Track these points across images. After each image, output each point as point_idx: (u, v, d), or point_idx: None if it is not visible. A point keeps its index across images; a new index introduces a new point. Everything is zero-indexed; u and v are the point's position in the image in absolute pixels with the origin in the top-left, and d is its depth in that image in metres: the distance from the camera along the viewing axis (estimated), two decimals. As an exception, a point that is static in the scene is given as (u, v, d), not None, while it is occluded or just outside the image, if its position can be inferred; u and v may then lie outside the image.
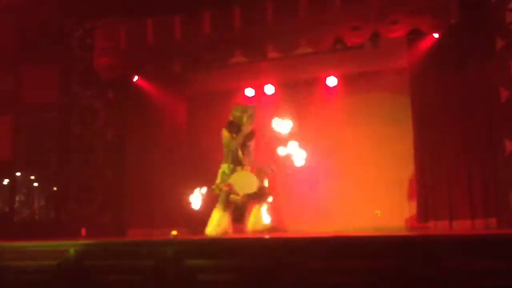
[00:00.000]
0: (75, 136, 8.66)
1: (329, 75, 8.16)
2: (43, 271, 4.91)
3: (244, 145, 6.11)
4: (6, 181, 9.14)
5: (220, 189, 5.99)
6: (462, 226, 6.59)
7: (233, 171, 5.99)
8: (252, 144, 6.19)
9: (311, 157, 8.20)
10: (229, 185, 5.92)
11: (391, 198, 7.43)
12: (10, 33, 9.03)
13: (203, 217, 8.43)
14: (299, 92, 8.30)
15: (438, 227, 6.78)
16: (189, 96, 8.93)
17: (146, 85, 8.50)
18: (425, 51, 7.02)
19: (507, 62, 6.49)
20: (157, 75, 8.23)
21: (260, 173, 6.03)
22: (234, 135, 6.06)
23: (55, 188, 8.94)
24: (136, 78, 8.39)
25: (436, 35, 6.87)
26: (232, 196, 5.91)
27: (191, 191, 8.47)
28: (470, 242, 3.91)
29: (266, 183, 6.12)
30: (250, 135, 6.16)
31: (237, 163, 6.05)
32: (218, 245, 4.66)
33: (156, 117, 8.64)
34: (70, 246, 4.91)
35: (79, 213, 8.37)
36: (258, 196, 5.98)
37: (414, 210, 7.17)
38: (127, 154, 8.65)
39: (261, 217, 5.99)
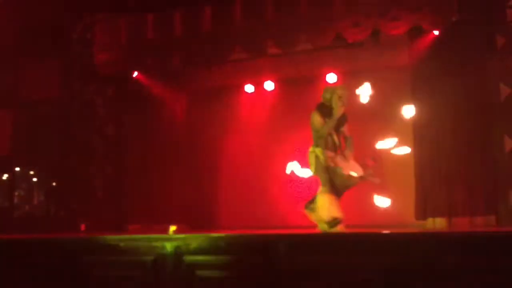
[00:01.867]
0: (74, 132, 8.65)
1: (329, 72, 8.15)
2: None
3: (337, 130, 5.63)
4: (5, 176, 9.14)
5: (326, 163, 5.42)
6: (461, 224, 6.59)
7: (329, 158, 5.45)
8: (346, 129, 5.70)
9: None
10: (335, 163, 5.41)
11: (390, 194, 7.42)
12: (10, 27, 9.00)
13: (202, 212, 8.52)
14: (299, 89, 8.30)
15: (436, 224, 6.79)
16: (189, 91, 8.94)
17: (146, 81, 8.50)
18: (425, 48, 7.01)
19: (508, 59, 6.48)
20: (157, 70, 8.22)
21: (362, 162, 5.53)
22: (326, 119, 5.55)
23: (54, 183, 8.95)
24: (136, 73, 8.38)
25: (436, 32, 6.85)
26: (338, 169, 5.35)
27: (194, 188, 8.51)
28: (470, 239, 3.92)
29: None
30: (343, 119, 5.65)
31: (333, 149, 5.57)
32: (217, 241, 4.66)
33: (156, 112, 8.64)
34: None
35: (79, 208, 8.37)
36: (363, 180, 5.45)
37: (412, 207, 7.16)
38: (127, 150, 8.65)
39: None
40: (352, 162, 5.51)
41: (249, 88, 8.71)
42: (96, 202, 8.39)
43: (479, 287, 3.57)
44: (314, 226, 5.92)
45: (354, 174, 5.41)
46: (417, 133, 7.16)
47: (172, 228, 6.11)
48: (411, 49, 7.20)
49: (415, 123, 7.15)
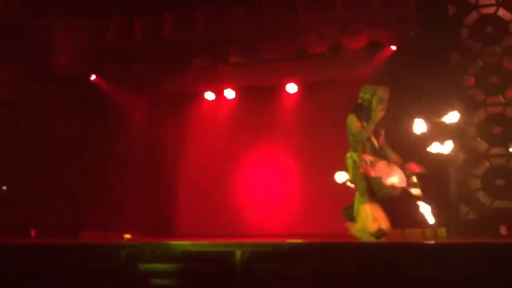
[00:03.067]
0: (30, 135, 8.41)
1: (289, 82, 8.24)
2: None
3: (376, 133, 5.15)
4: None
5: (364, 170, 4.92)
6: (413, 235, 6.74)
7: (369, 164, 4.95)
8: (383, 132, 5.20)
9: (268, 162, 8.35)
10: (377, 172, 4.92)
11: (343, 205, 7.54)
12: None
13: (160, 220, 8.42)
14: (259, 98, 8.35)
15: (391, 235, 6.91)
16: (150, 97, 8.86)
17: (106, 85, 8.37)
18: (382, 62, 7.19)
19: (461, 76, 6.71)
20: (118, 75, 8.12)
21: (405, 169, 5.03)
22: (365, 123, 5.10)
23: (4, 188, 8.66)
24: (93, 77, 8.24)
25: (394, 47, 7.04)
26: (377, 179, 4.87)
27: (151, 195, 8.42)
28: (424, 250, 4.03)
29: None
30: (382, 121, 5.14)
31: (372, 154, 5.08)
32: (171, 249, 4.61)
33: (115, 117, 8.52)
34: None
35: (29, 214, 8.13)
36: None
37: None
38: (83, 155, 8.48)
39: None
40: (396, 169, 5.02)
41: (209, 95, 8.70)
42: (49, 207, 8.17)
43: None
44: (274, 234, 5.94)
45: (396, 183, 4.95)
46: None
47: (127, 236, 6.00)
48: (368, 63, 7.36)
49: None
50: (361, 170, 4.98)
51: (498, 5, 6.52)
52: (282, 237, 5.52)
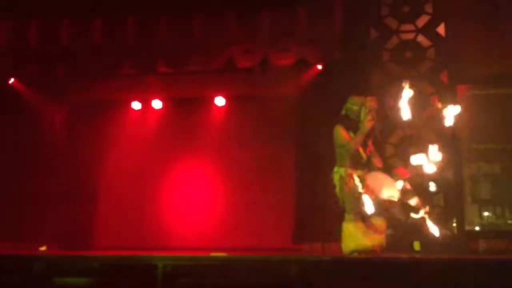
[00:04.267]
0: None
1: (218, 95, 8.27)
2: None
3: (364, 145, 5.07)
4: None
5: (354, 193, 4.78)
6: (333, 248, 6.92)
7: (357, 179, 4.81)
8: (370, 143, 5.10)
9: (194, 175, 8.30)
10: (367, 188, 4.77)
11: (271, 219, 7.64)
12: None
13: (77, 232, 8.09)
14: (187, 109, 8.31)
15: (312, 249, 7.06)
16: (72, 104, 8.53)
17: (25, 89, 7.98)
18: (309, 81, 7.40)
19: (382, 97, 7.01)
20: (39, 79, 7.77)
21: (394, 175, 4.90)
22: (352, 134, 5.02)
23: None
24: (12, 80, 7.84)
25: (320, 67, 7.27)
26: (381, 200, 4.72)
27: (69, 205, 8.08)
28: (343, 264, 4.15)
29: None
30: (370, 133, 5.07)
31: (361, 166, 5.00)
32: (90, 262, 4.45)
33: (33, 123, 8.13)
34: None
35: None
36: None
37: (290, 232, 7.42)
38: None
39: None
40: (387, 179, 4.89)
41: (136, 105, 8.54)
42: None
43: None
44: (198, 248, 5.88)
45: (392, 196, 4.81)
46: (299, 158, 7.49)
47: (42, 248, 5.72)
48: (296, 81, 7.55)
49: (298, 148, 7.47)
50: (348, 186, 4.88)
51: (417, 31, 6.90)
52: (206, 251, 5.48)
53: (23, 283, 4.26)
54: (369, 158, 5.09)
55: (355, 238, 4.90)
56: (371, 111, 5.02)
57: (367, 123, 4.97)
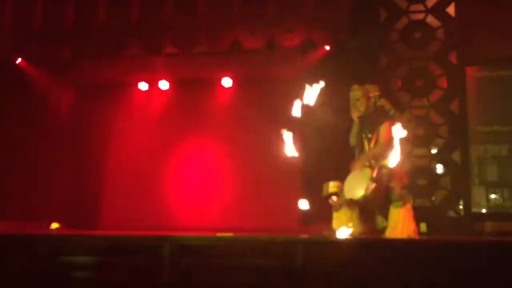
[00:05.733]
0: None
1: (224, 76, 8.22)
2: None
3: (365, 138, 5.12)
4: None
5: (327, 191, 5.10)
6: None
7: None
8: (370, 135, 5.06)
9: (201, 156, 8.31)
10: (339, 187, 5.02)
11: (277, 200, 7.65)
12: None
13: (84, 211, 8.15)
14: (194, 91, 8.28)
15: (319, 230, 7.06)
16: (78, 85, 8.53)
17: (31, 69, 7.97)
18: (315, 63, 7.33)
19: (390, 78, 6.96)
20: (44, 59, 7.76)
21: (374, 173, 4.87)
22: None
23: None
24: (19, 60, 7.84)
25: (327, 48, 7.19)
26: (332, 199, 5.05)
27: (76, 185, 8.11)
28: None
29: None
30: (366, 124, 5.09)
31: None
32: (97, 241, 4.48)
33: (40, 103, 8.14)
34: None
35: None
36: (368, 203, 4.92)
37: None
38: (3, 140, 8.04)
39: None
40: (361, 180, 4.91)
41: (143, 86, 8.52)
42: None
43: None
44: (205, 228, 5.90)
45: (353, 196, 4.91)
46: (306, 144, 7.45)
47: (54, 225, 5.75)
48: (302, 62, 7.48)
49: (303, 133, 7.42)
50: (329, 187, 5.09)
51: (426, 11, 6.81)
52: (212, 231, 5.51)
53: (30, 262, 4.30)
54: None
55: (339, 223, 5.01)
56: (358, 101, 5.12)
57: (352, 114, 5.13)
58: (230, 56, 7.70)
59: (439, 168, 6.68)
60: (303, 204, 5.53)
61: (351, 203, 4.98)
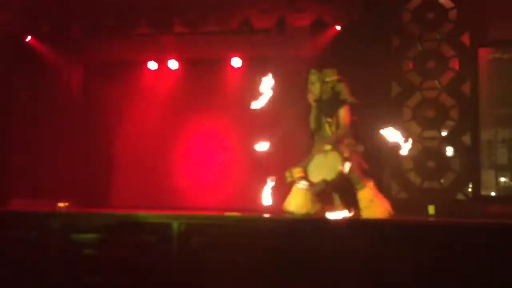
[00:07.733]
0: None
1: (234, 56, 8.18)
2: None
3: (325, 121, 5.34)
4: None
5: (292, 177, 5.24)
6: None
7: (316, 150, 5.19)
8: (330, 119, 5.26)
9: (209, 136, 8.32)
10: (304, 171, 5.19)
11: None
12: None
13: (94, 190, 8.22)
14: (203, 71, 8.25)
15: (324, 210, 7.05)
16: (88, 64, 8.53)
17: (41, 47, 7.97)
18: (326, 42, 7.26)
19: (401, 59, 6.90)
20: (54, 38, 7.76)
21: (347, 153, 5.08)
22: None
23: None
24: (29, 38, 7.84)
25: (338, 28, 7.12)
26: (301, 184, 5.18)
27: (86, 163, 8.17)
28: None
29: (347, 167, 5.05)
30: (325, 108, 5.27)
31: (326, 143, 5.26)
32: (106, 219, 4.53)
33: (50, 82, 8.17)
34: None
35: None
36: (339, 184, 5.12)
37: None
38: (13, 118, 8.09)
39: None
40: (331, 162, 5.11)
41: (152, 65, 8.51)
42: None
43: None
44: (213, 208, 5.91)
45: (325, 178, 5.11)
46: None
47: (63, 204, 5.82)
48: (313, 42, 7.41)
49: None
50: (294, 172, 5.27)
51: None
52: (220, 211, 5.55)
53: (41, 239, 4.36)
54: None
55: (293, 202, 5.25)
56: (313, 84, 5.36)
57: (310, 94, 5.37)
58: (240, 36, 7.64)
59: (449, 151, 6.65)
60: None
61: (317, 185, 5.16)
